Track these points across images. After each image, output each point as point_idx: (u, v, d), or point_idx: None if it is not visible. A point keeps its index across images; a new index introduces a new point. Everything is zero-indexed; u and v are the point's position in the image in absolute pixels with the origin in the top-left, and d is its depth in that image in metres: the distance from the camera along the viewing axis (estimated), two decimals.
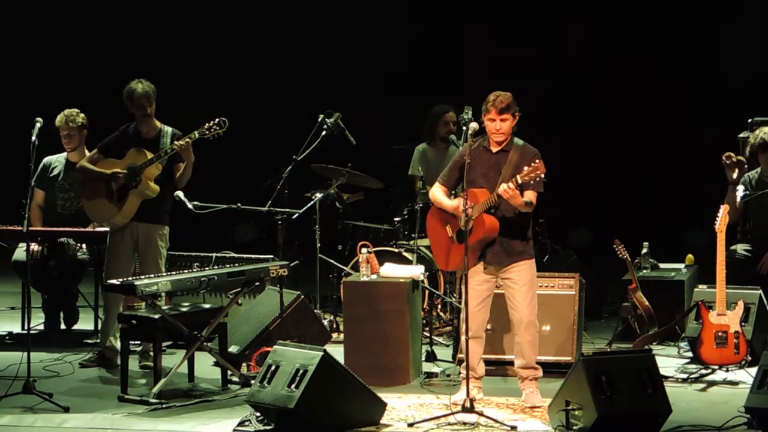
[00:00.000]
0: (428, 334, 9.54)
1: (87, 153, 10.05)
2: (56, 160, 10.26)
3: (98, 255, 9.90)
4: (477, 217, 7.88)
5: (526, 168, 7.77)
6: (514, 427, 7.50)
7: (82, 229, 9.93)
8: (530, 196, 7.91)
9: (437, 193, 8.24)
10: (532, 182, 7.78)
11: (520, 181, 7.77)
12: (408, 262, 9.90)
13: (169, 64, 14.10)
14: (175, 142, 8.99)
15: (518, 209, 7.90)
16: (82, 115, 10.10)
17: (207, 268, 9.08)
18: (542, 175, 7.75)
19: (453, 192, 8.34)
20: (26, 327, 9.92)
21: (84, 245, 10.14)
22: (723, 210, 8.97)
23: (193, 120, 9.17)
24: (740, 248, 9.77)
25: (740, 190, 9.45)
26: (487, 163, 8.03)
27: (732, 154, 9.51)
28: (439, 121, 10.81)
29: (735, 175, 9.48)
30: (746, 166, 9.68)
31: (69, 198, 10.17)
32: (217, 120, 8.98)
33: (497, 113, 7.96)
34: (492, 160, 8.04)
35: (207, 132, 8.98)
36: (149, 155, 9.08)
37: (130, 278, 8.58)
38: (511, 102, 7.99)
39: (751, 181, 9.72)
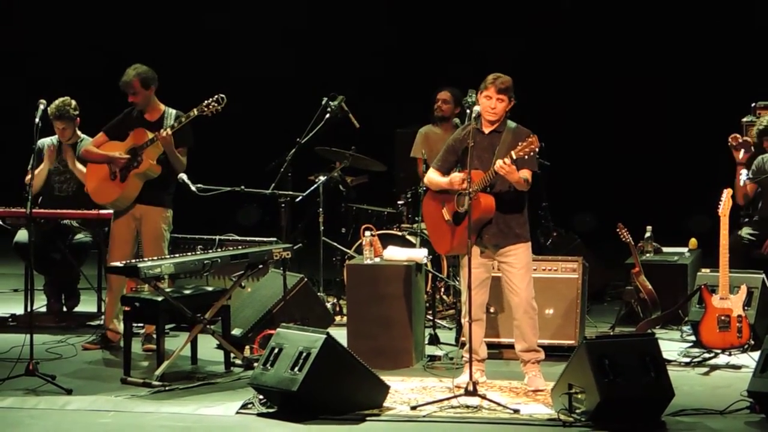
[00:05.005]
0: (431, 317, 9.54)
1: (79, 134, 10.04)
2: (49, 142, 10.20)
3: (103, 237, 9.89)
4: (474, 197, 7.86)
5: (520, 143, 7.78)
6: (516, 411, 7.49)
7: (86, 212, 9.91)
8: (525, 173, 7.90)
9: (433, 176, 8.23)
10: (526, 157, 7.77)
11: (515, 157, 7.75)
12: (411, 245, 9.89)
13: (170, 45, 14.07)
14: (157, 133, 8.97)
15: (515, 186, 7.89)
16: (74, 103, 10.01)
17: (210, 251, 9.09)
18: (536, 150, 7.75)
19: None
20: (29, 309, 9.91)
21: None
22: (726, 194, 8.97)
23: (196, 102, 9.14)
24: (745, 232, 9.77)
25: (743, 174, 9.44)
26: (481, 144, 8.01)
27: (738, 136, 9.51)
28: (435, 101, 10.78)
29: (741, 156, 9.48)
30: (753, 149, 9.67)
31: (65, 180, 10.14)
32: (215, 97, 8.96)
33: (496, 92, 7.96)
34: (486, 142, 8.02)
35: (205, 109, 8.96)
36: (150, 135, 9.07)
37: (134, 260, 8.58)
38: (510, 85, 8.00)
39: (765, 164, 9.71)
